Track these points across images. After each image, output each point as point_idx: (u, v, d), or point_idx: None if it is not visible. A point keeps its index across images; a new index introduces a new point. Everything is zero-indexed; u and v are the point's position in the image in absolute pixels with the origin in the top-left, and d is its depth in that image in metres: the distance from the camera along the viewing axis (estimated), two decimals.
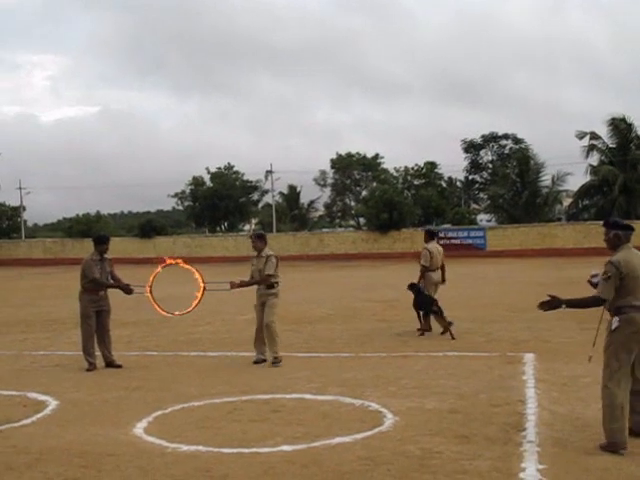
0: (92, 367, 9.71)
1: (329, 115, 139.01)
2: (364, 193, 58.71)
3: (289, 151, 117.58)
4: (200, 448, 5.95)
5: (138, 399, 7.89)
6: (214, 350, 11.11)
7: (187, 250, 46.11)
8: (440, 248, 12.72)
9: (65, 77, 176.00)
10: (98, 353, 9.94)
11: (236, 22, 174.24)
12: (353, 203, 62.99)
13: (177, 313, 9.89)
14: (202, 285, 9.41)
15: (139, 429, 6.62)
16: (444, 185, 60.94)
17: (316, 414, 7.00)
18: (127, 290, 9.98)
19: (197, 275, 9.43)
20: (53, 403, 7.77)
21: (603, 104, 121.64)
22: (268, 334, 9.60)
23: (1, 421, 7.02)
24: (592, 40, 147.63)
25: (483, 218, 57.49)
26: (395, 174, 59.37)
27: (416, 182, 58.33)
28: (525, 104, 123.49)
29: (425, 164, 58.71)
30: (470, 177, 64.18)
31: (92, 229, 46.04)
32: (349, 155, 62.51)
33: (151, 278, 9.64)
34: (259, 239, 9.94)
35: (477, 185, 64.29)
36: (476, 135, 63.21)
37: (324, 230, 57.49)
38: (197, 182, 59.91)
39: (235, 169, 61.34)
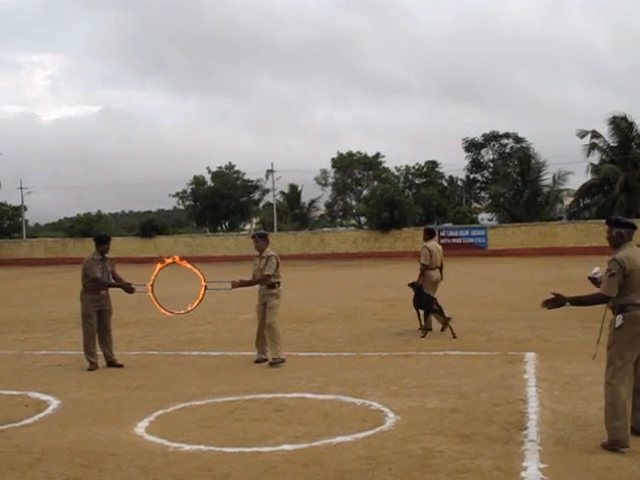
0: (93, 367, 9.71)
1: (329, 115, 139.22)
2: (365, 192, 58.73)
3: (289, 151, 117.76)
4: (201, 447, 5.95)
5: (139, 398, 7.89)
6: (215, 349, 11.11)
7: (188, 249, 46.14)
8: (439, 246, 12.76)
9: (65, 77, 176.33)
10: (99, 353, 9.95)
11: (236, 22, 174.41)
12: (354, 202, 63.01)
13: (178, 312, 9.89)
14: (203, 284, 9.40)
15: (140, 428, 6.62)
16: (445, 184, 60.94)
17: (317, 413, 7.00)
18: (128, 289, 9.98)
19: (199, 274, 9.43)
20: (54, 403, 7.77)
21: (603, 103, 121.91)
22: (270, 335, 9.61)
23: (3, 421, 7.02)
24: (592, 40, 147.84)
25: (484, 217, 57.50)
26: (396, 173, 59.40)
27: (417, 181, 58.36)
28: (525, 103, 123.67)
29: (426, 163, 58.73)
30: (471, 176, 64.16)
31: (93, 229, 46.11)
32: (350, 154, 62.53)
33: (152, 277, 9.64)
34: (262, 239, 9.93)
35: (478, 184, 64.25)
36: (477, 134, 63.29)
37: (325, 229, 57.55)
38: (198, 181, 59.96)
39: (236, 168, 61.45)
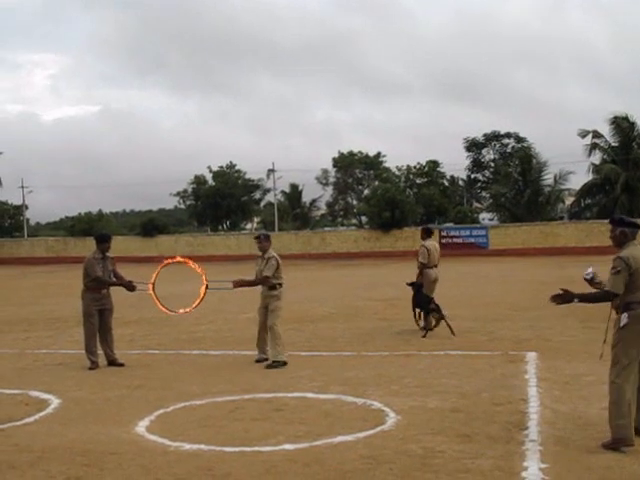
0: (94, 365, 9.71)
1: (329, 115, 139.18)
2: (366, 192, 58.72)
3: (289, 151, 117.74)
4: (202, 447, 5.95)
5: (140, 398, 7.89)
6: (216, 349, 11.11)
7: (189, 249, 46.17)
8: (437, 245, 12.81)
9: (66, 76, 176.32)
10: (100, 352, 9.95)
11: (236, 22, 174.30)
12: (355, 202, 63.05)
13: (179, 311, 9.89)
14: (205, 283, 9.41)
15: (141, 428, 6.62)
16: (446, 184, 60.90)
17: (318, 413, 6.99)
18: (130, 287, 9.97)
19: (200, 273, 9.43)
20: (55, 401, 7.77)
21: (603, 103, 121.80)
22: (271, 337, 9.62)
23: (3, 419, 7.03)
24: (592, 40, 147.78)
25: (485, 217, 57.50)
26: (397, 173, 59.40)
27: (418, 181, 58.35)
28: (526, 103, 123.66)
29: (427, 163, 58.73)
30: (472, 176, 64.15)
31: (94, 228, 46.11)
32: (351, 154, 62.57)
33: (154, 275, 9.64)
34: (267, 240, 9.93)
35: (479, 184, 64.25)
36: (477, 134, 63.28)
37: (326, 229, 57.52)
38: (199, 181, 59.99)
39: (237, 168, 61.49)
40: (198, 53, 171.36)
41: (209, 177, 60.62)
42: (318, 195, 65.34)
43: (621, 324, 5.63)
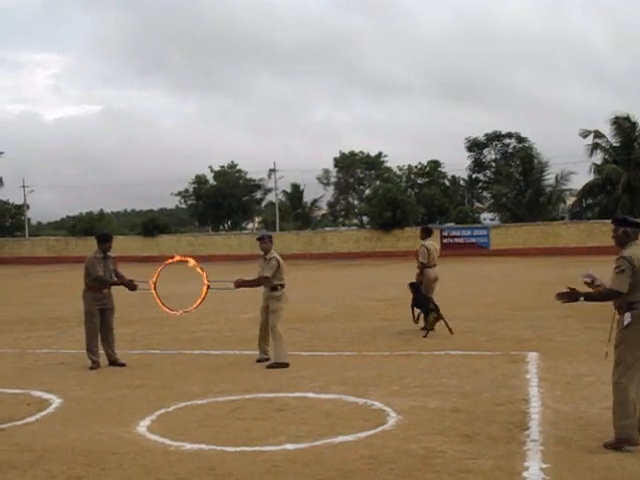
0: (95, 365, 9.71)
1: (329, 115, 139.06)
2: (367, 192, 58.73)
3: (289, 151, 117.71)
4: (203, 446, 5.95)
5: (141, 397, 7.89)
6: (217, 349, 11.11)
7: (190, 248, 46.16)
8: (436, 245, 12.83)
9: (67, 76, 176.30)
10: (101, 351, 9.95)
11: (236, 22, 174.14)
12: (356, 202, 63.06)
13: (180, 311, 9.89)
14: (206, 283, 9.41)
15: (142, 427, 6.62)
16: (447, 184, 60.90)
17: (319, 413, 6.99)
18: (131, 286, 9.96)
19: (201, 273, 9.43)
20: (56, 401, 7.78)
21: (603, 103, 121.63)
22: (272, 338, 9.63)
23: (4, 419, 7.03)
24: (592, 40, 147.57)
25: (486, 217, 57.51)
26: (398, 173, 59.40)
27: (419, 181, 58.37)
28: (526, 103, 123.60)
29: (428, 163, 58.74)
30: (473, 176, 64.15)
31: (95, 227, 46.13)
32: (352, 154, 62.58)
33: (155, 274, 9.64)
34: (270, 240, 9.93)
35: (480, 184, 64.25)
36: (477, 134, 63.31)
37: (327, 229, 57.54)
38: (200, 180, 60.02)
39: (238, 167, 61.53)
40: (198, 53, 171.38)
41: (210, 177, 60.72)
42: (319, 195, 65.45)
43: (624, 323, 5.63)
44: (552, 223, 44.00)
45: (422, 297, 11.97)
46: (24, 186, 60.18)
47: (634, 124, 45.01)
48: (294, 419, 6.77)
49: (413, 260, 12.79)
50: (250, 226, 68.60)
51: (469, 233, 43.54)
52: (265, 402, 7.50)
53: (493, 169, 61.83)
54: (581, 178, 53.79)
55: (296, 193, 64.63)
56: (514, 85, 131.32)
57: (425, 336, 11.51)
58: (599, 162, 46.33)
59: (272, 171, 59.05)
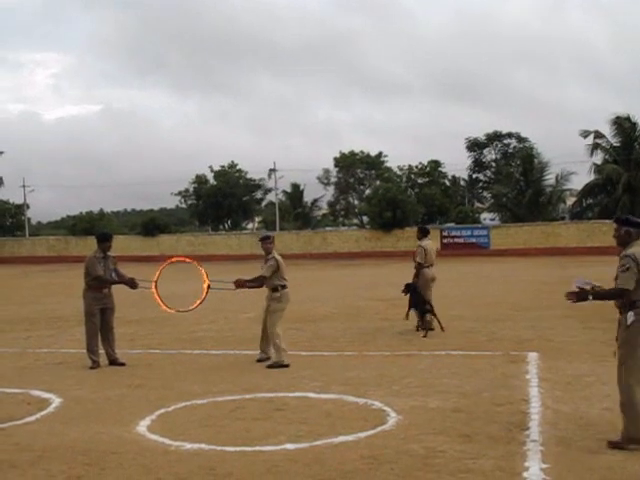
0: (95, 365, 9.71)
1: (329, 115, 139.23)
2: (367, 192, 58.65)
3: (289, 151, 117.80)
4: (203, 446, 5.95)
5: (141, 397, 7.89)
6: (217, 348, 11.11)
7: (190, 248, 46.19)
8: (433, 245, 12.86)
9: (67, 76, 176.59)
10: (101, 351, 9.95)
11: (236, 22, 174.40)
12: (356, 202, 62.97)
13: (180, 310, 9.89)
14: (207, 283, 9.41)
15: (142, 427, 6.62)
16: (448, 184, 60.91)
17: (319, 413, 6.99)
18: (132, 284, 9.95)
19: (202, 273, 9.43)
20: (56, 401, 7.78)
21: (603, 103, 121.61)
22: (271, 339, 9.63)
23: (4, 419, 7.03)
24: (592, 40, 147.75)
25: (487, 217, 57.47)
26: (399, 173, 59.38)
27: (420, 181, 58.36)
28: (526, 103, 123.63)
29: (429, 163, 58.72)
30: (474, 176, 64.11)
31: (95, 227, 46.11)
32: (352, 154, 62.48)
33: (157, 273, 9.64)
34: (271, 241, 9.92)
35: (481, 184, 64.22)
36: (477, 134, 63.29)
37: (327, 229, 57.54)
38: (200, 180, 60.02)
39: (238, 167, 61.51)
40: (198, 53, 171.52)
41: (210, 177, 60.71)
42: (319, 195, 65.32)
43: (628, 322, 5.63)
44: (552, 223, 43.99)
45: (419, 297, 11.99)
46: (24, 186, 60.22)
47: (634, 124, 44.99)
48: (294, 419, 6.77)
49: (413, 260, 12.80)
50: (250, 226, 68.58)
51: (469, 233, 43.54)
52: (265, 402, 7.50)
53: (493, 169, 61.80)
54: (581, 178, 53.77)
55: (296, 193, 64.57)
56: (514, 85, 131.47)
57: (425, 336, 11.52)
58: (599, 162, 46.31)
59: (272, 171, 59.05)
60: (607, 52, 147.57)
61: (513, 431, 6.15)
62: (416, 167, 58.99)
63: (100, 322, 9.88)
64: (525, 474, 5.10)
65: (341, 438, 6.05)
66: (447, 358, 9.71)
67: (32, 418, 7.08)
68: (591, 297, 5.79)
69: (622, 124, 44.98)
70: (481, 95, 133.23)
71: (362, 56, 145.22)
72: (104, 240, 10.06)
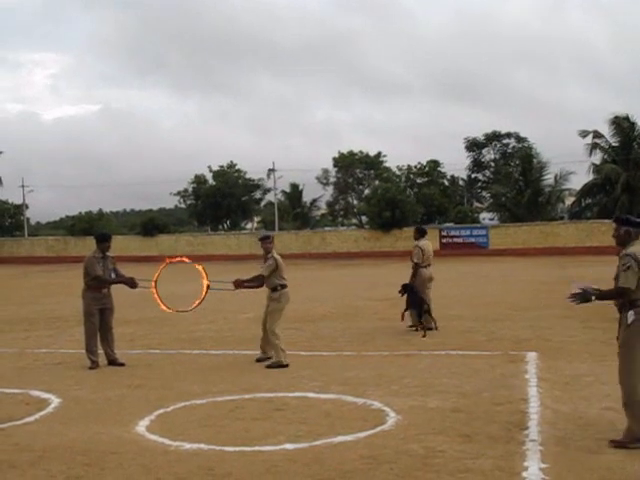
0: (95, 365, 9.71)
1: (329, 115, 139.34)
2: (366, 191, 58.64)
3: (289, 151, 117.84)
4: (202, 446, 5.96)
5: (140, 397, 7.89)
6: (216, 348, 11.11)
7: (189, 248, 46.15)
8: (430, 245, 12.91)
9: (66, 76, 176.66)
10: (101, 351, 9.95)
11: (236, 22, 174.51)
12: (355, 202, 62.93)
13: (179, 310, 9.89)
14: (206, 283, 9.41)
15: (142, 427, 6.62)
16: (447, 183, 60.89)
17: (319, 413, 6.99)
18: (132, 284, 9.94)
19: (202, 273, 9.43)
20: (56, 401, 7.78)
21: (603, 103, 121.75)
22: (270, 339, 9.63)
23: (4, 419, 7.03)
24: (592, 40, 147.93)
25: (486, 217, 57.46)
26: (398, 172, 59.35)
27: (419, 180, 58.32)
28: (526, 103, 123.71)
29: (428, 162, 58.69)
30: (473, 176, 64.07)
31: (94, 227, 46.08)
32: (351, 153, 62.44)
33: (157, 273, 9.64)
34: (271, 241, 9.91)
35: (480, 184, 64.19)
36: (477, 134, 63.20)
37: (326, 228, 57.52)
38: (199, 180, 60.00)
39: (237, 167, 61.49)
40: (198, 53, 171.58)
41: (209, 177, 60.68)
42: (318, 195, 65.25)
43: (628, 321, 5.63)
44: (551, 223, 43.97)
45: (416, 298, 12.00)
46: (23, 186, 60.11)
47: (633, 124, 45.01)
48: (293, 419, 6.77)
49: (410, 260, 12.83)
50: (249, 226, 68.57)
51: (468, 233, 43.53)
52: (264, 402, 7.51)
53: (492, 169, 61.74)
54: (580, 178, 53.66)
55: (295, 193, 64.56)
56: (514, 85, 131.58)
57: (424, 336, 11.52)
58: (598, 162, 46.34)
59: (271, 171, 59.02)
60: (607, 52, 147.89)
61: (512, 431, 6.15)
62: (415, 167, 58.97)
63: (99, 322, 9.88)
64: (524, 474, 5.11)
65: (340, 438, 6.05)
66: (446, 358, 9.71)
67: (31, 418, 7.08)
68: (594, 297, 5.80)
69: (621, 124, 45.00)
70: (481, 95, 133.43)
71: (362, 56, 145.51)
72: (103, 240, 10.06)
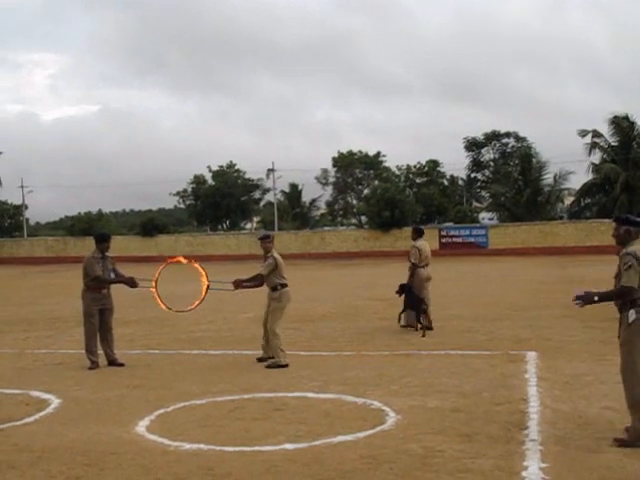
0: (94, 365, 9.71)
1: (329, 115, 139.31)
2: (366, 191, 58.67)
3: (289, 151, 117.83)
4: (202, 446, 5.95)
5: (140, 397, 7.89)
6: (216, 348, 11.11)
7: (189, 248, 46.13)
8: (427, 245, 12.92)
9: (66, 76, 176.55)
10: (100, 351, 9.94)
11: (236, 22, 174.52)
12: (355, 201, 62.97)
13: (179, 310, 9.89)
14: (206, 283, 9.41)
15: (141, 427, 6.62)
16: (446, 183, 60.91)
17: (318, 412, 6.99)
18: (132, 283, 9.94)
19: (202, 273, 9.43)
20: (55, 401, 7.77)
21: (603, 103, 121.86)
22: (270, 339, 9.63)
23: (3, 419, 7.03)
24: (592, 40, 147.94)
25: (485, 216, 57.49)
26: (397, 172, 59.37)
27: (418, 180, 58.36)
28: (526, 103, 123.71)
29: (427, 162, 58.71)
30: (472, 175, 64.08)
31: (94, 227, 46.02)
32: (351, 153, 62.48)
33: (157, 273, 9.64)
34: (271, 241, 9.91)
35: (479, 183, 64.21)
36: (477, 134, 63.22)
37: (326, 228, 57.50)
38: (199, 180, 60.00)
39: (237, 167, 61.50)
40: (198, 53, 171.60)
41: (209, 177, 60.69)
42: (318, 195, 65.29)
43: (629, 321, 5.63)
44: (550, 223, 43.98)
45: (415, 298, 12.00)
46: (22, 186, 60.11)
47: (632, 124, 45.03)
48: (293, 419, 6.77)
49: (408, 260, 12.82)
50: (249, 226, 68.56)
51: (467, 233, 43.53)
52: (264, 402, 7.50)
53: (492, 169, 61.74)
54: (579, 178, 53.83)
55: (295, 193, 64.56)
56: (514, 85, 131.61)
57: (423, 336, 11.52)
58: (597, 162, 46.36)
59: (270, 171, 59.01)
60: (607, 52, 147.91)
61: (512, 430, 6.15)
62: (414, 167, 58.99)
63: (99, 323, 9.88)
64: (524, 473, 5.11)
65: (340, 438, 6.05)
66: (446, 358, 9.71)
67: (31, 419, 7.08)
68: (597, 298, 5.80)
69: (620, 123, 45.02)
70: (481, 95, 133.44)
71: (362, 56, 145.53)
72: (102, 240, 10.05)
